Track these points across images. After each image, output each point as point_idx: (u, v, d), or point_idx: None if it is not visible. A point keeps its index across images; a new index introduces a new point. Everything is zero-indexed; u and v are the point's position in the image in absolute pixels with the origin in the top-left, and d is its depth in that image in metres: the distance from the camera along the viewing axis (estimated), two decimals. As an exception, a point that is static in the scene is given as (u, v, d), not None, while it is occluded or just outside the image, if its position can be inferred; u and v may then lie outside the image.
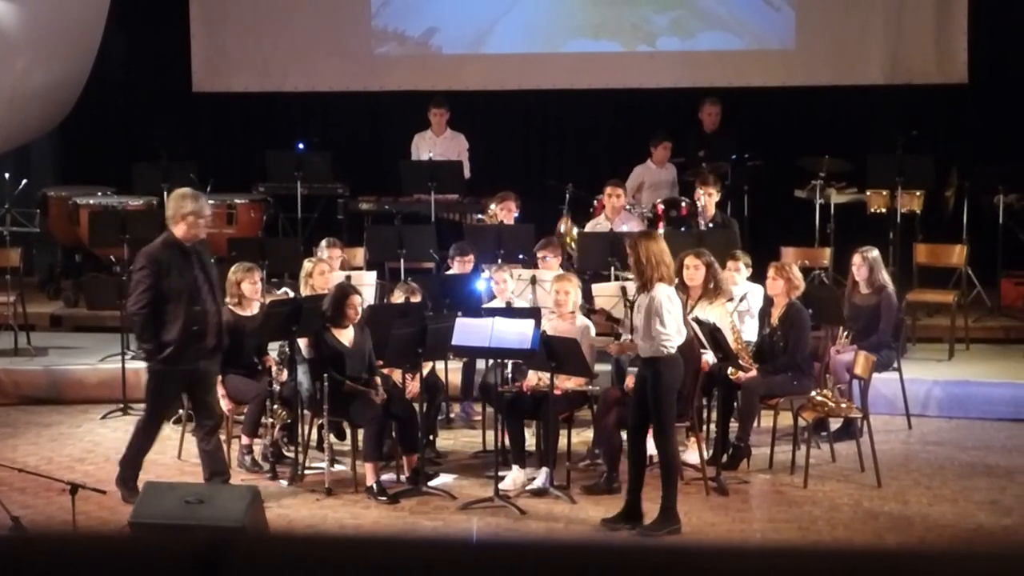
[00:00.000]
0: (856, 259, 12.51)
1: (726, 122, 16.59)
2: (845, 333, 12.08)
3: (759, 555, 1.66)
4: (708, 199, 14.08)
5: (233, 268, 11.88)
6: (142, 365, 13.50)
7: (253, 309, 11.62)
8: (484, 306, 12.05)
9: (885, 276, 12.54)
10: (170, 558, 1.71)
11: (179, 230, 10.18)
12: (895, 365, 12.48)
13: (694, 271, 11.52)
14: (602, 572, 1.68)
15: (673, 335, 9.77)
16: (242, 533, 1.74)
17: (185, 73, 18.19)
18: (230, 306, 11.60)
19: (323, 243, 13.05)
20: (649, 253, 9.81)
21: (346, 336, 11.05)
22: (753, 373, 11.35)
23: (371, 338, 11.17)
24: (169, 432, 12.42)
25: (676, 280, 10.13)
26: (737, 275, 12.22)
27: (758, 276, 12.23)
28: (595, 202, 14.81)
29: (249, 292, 11.60)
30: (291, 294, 12.04)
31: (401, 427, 10.90)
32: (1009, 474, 11.29)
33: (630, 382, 11.03)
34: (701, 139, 16.33)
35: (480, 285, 12.54)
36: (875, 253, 12.55)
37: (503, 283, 12.09)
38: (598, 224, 14.35)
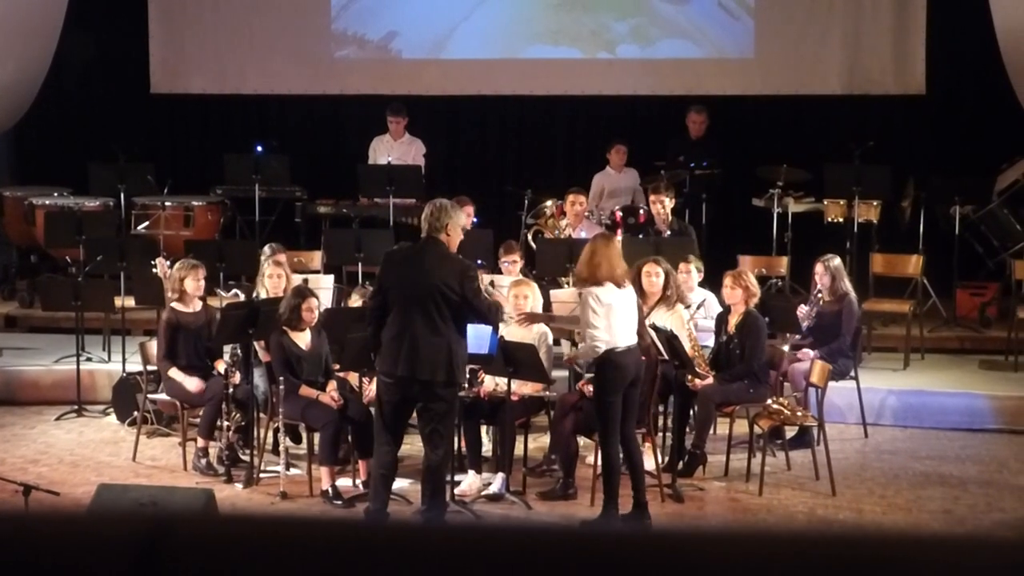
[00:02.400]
0: (818, 268, 12.55)
1: (699, 129, 16.61)
2: (797, 336, 12.16)
3: (722, 541, 1.66)
4: (660, 207, 14.05)
5: (178, 265, 11.88)
6: (97, 367, 13.55)
7: (195, 306, 11.67)
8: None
9: (847, 284, 12.58)
10: (110, 543, 1.69)
11: (450, 241, 9.63)
12: (852, 374, 12.52)
13: (654, 278, 11.54)
14: (558, 559, 1.67)
15: (601, 336, 9.82)
16: (184, 516, 1.71)
17: (143, 74, 18.13)
18: (172, 303, 11.64)
19: (266, 249, 12.88)
20: (591, 254, 9.98)
21: (303, 339, 11.03)
22: (709, 380, 11.37)
23: (328, 342, 11.16)
24: (124, 434, 12.39)
25: (627, 285, 10.11)
26: (688, 277, 12.24)
27: (715, 284, 12.25)
28: (555, 207, 14.81)
29: (192, 289, 11.66)
30: (241, 296, 12.01)
31: (357, 431, 10.86)
32: (962, 484, 11.33)
33: (582, 384, 11.07)
34: (685, 146, 16.31)
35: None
36: (837, 261, 12.59)
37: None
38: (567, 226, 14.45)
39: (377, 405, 9.79)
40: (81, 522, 1.79)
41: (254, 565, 1.67)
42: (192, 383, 11.38)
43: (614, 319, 9.89)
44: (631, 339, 10.01)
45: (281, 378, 10.80)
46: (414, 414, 9.90)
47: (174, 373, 11.49)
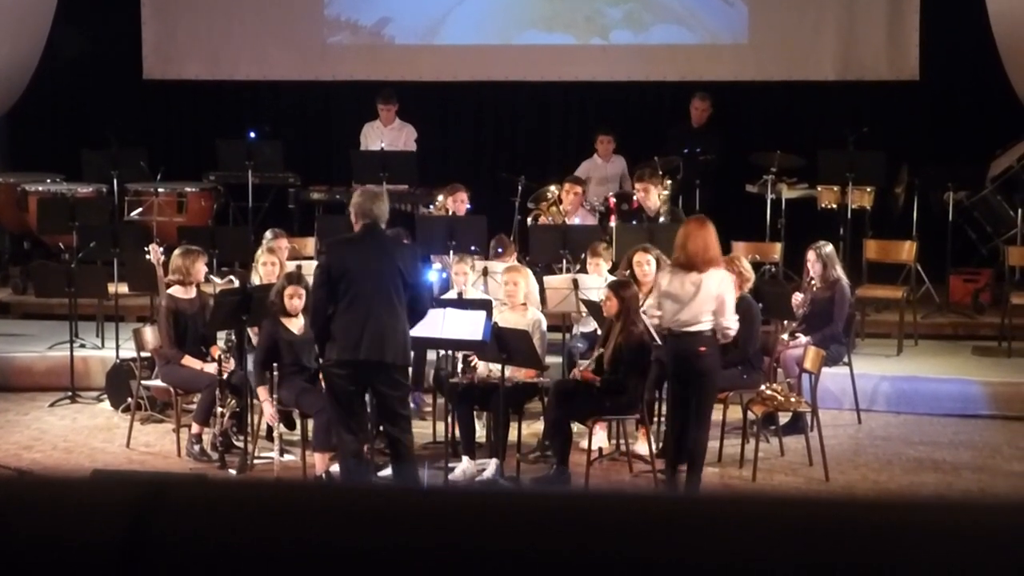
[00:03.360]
0: (810, 255, 12.54)
1: (690, 115, 16.57)
2: (795, 324, 12.15)
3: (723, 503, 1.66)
4: (645, 195, 14.05)
5: (178, 251, 11.86)
6: (90, 353, 13.55)
7: (190, 292, 11.67)
8: (442, 297, 12.02)
9: (839, 270, 12.57)
10: (100, 509, 1.69)
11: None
12: (845, 360, 12.53)
13: (646, 267, 11.59)
14: (548, 521, 1.67)
15: (653, 315, 10.16)
16: (176, 481, 1.70)
17: (135, 60, 18.10)
18: (170, 289, 11.64)
19: (267, 234, 12.96)
20: (681, 236, 10.21)
21: (295, 324, 11.00)
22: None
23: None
24: (117, 421, 12.38)
25: (709, 270, 10.13)
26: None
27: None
28: (558, 193, 14.76)
29: (197, 274, 11.63)
30: (236, 282, 12.00)
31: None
32: (955, 470, 11.35)
33: (577, 372, 11.06)
34: (687, 134, 16.27)
35: (431, 276, 12.51)
36: (828, 248, 12.58)
37: (463, 275, 12.03)
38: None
39: (332, 396, 9.80)
40: (74, 487, 1.78)
41: (249, 527, 1.67)
42: (211, 368, 11.33)
43: (667, 305, 10.05)
44: (684, 326, 10.05)
45: (275, 364, 10.80)
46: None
47: (188, 361, 11.47)
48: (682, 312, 10.01)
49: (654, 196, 14.02)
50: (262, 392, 10.86)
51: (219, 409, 11.11)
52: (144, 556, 1.63)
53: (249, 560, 1.63)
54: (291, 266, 12.21)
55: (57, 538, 1.64)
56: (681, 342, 10.05)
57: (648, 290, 11.51)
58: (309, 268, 12.44)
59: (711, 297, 10.05)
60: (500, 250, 12.90)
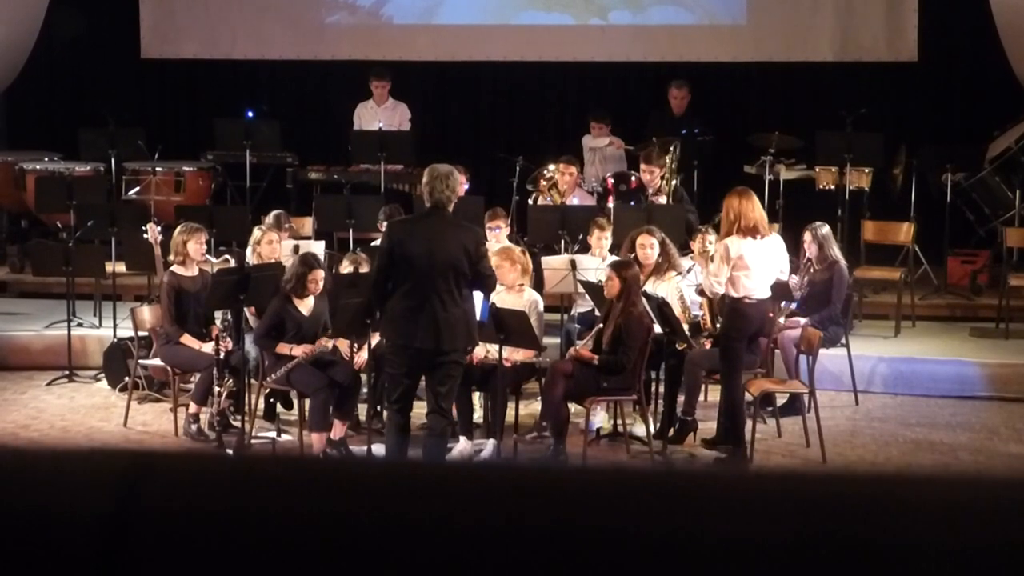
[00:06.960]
0: (806, 236, 12.52)
1: (680, 105, 16.49)
2: (792, 305, 12.15)
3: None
4: (649, 176, 14.05)
5: (179, 229, 11.83)
6: (88, 332, 13.55)
7: (193, 270, 11.63)
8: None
9: (836, 251, 12.54)
10: (89, 481, 1.68)
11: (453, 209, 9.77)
12: (843, 341, 12.52)
13: (648, 250, 11.58)
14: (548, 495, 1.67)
15: (717, 287, 10.49)
16: (165, 454, 1.70)
17: (133, 39, 18.05)
18: (173, 266, 11.61)
19: (270, 218, 12.92)
20: (726, 210, 10.50)
21: (305, 305, 10.96)
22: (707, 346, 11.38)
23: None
24: (115, 400, 12.38)
25: (768, 233, 10.38)
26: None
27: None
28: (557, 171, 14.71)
29: (194, 252, 11.59)
30: (232, 261, 11.98)
31: (341, 393, 10.82)
32: (953, 451, 11.35)
33: (574, 351, 11.05)
34: (668, 122, 16.19)
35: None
36: (825, 229, 12.56)
37: None
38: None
39: (380, 371, 9.83)
40: (63, 459, 1.78)
41: (237, 500, 1.67)
42: (209, 348, 11.30)
43: (741, 272, 10.31)
44: (762, 292, 10.42)
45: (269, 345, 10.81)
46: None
47: (187, 340, 11.43)
48: (767, 280, 10.48)
49: (658, 176, 14.04)
50: (283, 347, 10.83)
51: (217, 389, 11.10)
52: (132, 528, 1.63)
53: (237, 532, 1.62)
54: (289, 245, 12.19)
55: (45, 510, 1.64)
56: (764, 305, 10.48)
57: (651, 271, 11.53)
58: (306, 248, 12.44)
59: (783, 259, 10.78)
60: (492, 228, 12.85)
